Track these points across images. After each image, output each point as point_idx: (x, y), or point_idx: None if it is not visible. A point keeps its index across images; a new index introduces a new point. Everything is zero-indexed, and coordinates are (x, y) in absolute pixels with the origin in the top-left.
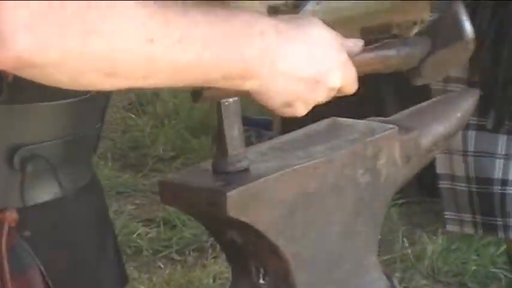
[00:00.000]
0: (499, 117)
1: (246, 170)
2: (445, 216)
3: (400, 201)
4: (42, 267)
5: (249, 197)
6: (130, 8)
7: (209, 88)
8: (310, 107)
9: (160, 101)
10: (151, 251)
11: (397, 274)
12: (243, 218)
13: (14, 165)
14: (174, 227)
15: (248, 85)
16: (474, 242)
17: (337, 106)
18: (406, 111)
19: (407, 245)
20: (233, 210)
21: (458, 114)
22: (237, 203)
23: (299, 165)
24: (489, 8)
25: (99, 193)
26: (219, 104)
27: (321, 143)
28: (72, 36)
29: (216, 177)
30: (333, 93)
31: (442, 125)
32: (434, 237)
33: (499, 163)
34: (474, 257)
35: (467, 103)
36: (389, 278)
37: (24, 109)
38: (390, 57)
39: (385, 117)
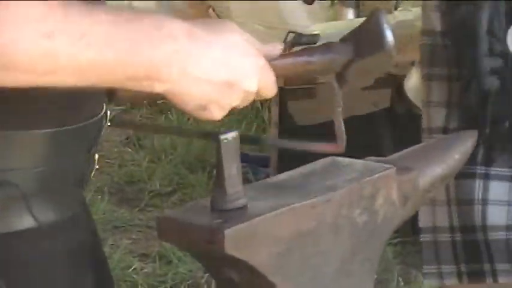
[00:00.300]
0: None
1: (243, 207)
2: (424, 271)
3: (396, 240)
4: None
5: (247, 235)
6: (27, 2)
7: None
8: (226, 111)
9: (158, 136)
10: (146, 286)
11: None
12: (240, 256)
13: None
14: (169, 262)
15: (158, 88)
16: None
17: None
18: (404, 152)
19: (402, 284)
20: (231, 248)
21: (456, 156)
22: (234, 240)
23: (297, 204)
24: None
25: (85, 228)
26: (218, 141)
27: (319, 182)
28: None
29: (214, 215)
30: (251, 97)
31: (440, 166)
32: None
33: (477, 208)
34: None
35: (465, 145)
36: None
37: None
38: (311, 62)
39: (383, 157)
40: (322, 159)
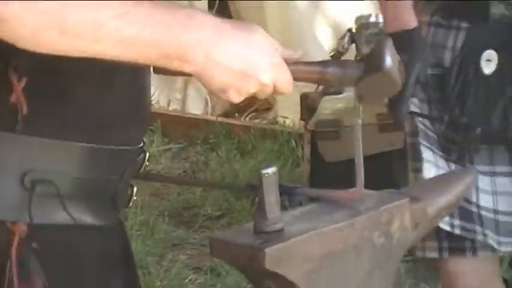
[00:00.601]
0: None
1: (281, 230)
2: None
3: (408, 258)
4: (45, 280)
5: (283, 253)
6: None
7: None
8: (243, 96)
9: (210, 170)
10: None
11: None
12: (277, 271)
13: (25, 185)
14: (219, 274)
15: (187, 68)
16: None
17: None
18: (415, 185)
19: None
20: (270, 264)
21: (459, 189)
22: (273, 258)
23: (325, 228)
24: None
25: (118, 240)
26: (260, 175)
27: (344, 209)
28: (47, 10)
29: (256, 236)
30: (267, 89)
31: (446, 197)
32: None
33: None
34: None
35: (466, 180)
36: None
37: (38, 141)
38: (325, 72)
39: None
40: (347, 190)
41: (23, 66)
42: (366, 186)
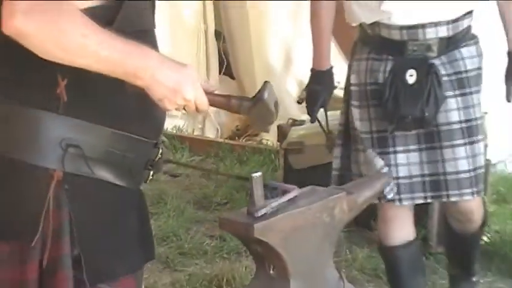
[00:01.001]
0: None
1: (264, 213)
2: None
3: (345, 229)
4: (71, 213)
5: (266, 227)
6: (79, 15)
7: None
8: (173, 106)
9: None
10: (213, 252)
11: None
12: (262, 238)
13: (62, 147)
14: (225, 240)
15: (139, 83)
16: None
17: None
18: (350, 184)
19: (348, 252)
20: (257, 234)
21: (378, 186)
22: (259, 230)
23: (292, 211)
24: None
25: (130, 195)
26: (251, 177)
27: (305, 199)
28: (44, 21)
29: (248, 217)
30: (190, 104)
31: (369, 192)
32: (362, 248)
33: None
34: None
35: (382, 181)
36: (338, 271)
37: (73, 121)
38: (229, 103)
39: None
40: (306, 187)
41: (65, 69)
42: (320, 183)
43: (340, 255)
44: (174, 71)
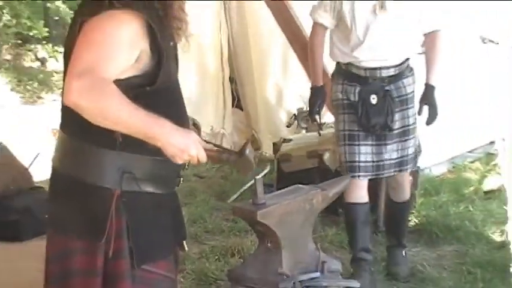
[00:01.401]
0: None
1: (264, 203)
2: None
3: (320, 215)
4: (128, 218)
5: (265, 213)
6: (116, 94)
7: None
8: (182, 160)
9: (232, 175)
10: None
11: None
12: (263, 221)
13: (120, 173)
14: (236, 222)
15: (158, 144)
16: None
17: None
18: (323, 183)
19: (322, 231)
20: (259, 218)
21: (342, 185)
22: (260, 215)
23: (283, 202)
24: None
25: (168, 199)
26: (255, 179)
27: (292, 194)
28: (91, 100)
29: (253, 206)
30: (193, 159)
31: (336, 189)
32: (331, 228)
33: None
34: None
35: (346, 182)
36: (315, 244)
37: (126, 154)
38: (220, 156)
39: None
40: (293, 186)
41: None
42: (302, 182)
43: (316, 232)
44: (182, 136)
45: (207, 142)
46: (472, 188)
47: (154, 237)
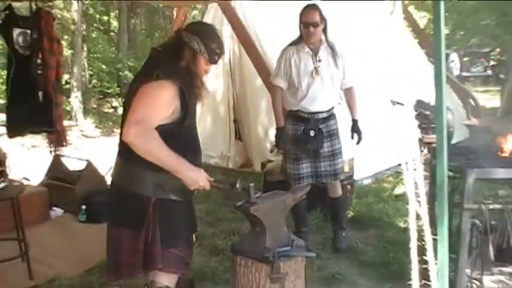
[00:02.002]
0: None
1: (255, 202)
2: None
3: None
4: (160, 217)
5: (255, 209)
6: (157, 139)
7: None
8: (195, 187)
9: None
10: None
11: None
12: (254, 213)
13: (154, 186)
14: (236, 213)
15: (179, 176)
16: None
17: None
18: (292, 189)
19: (292, 221)
20: (252, 212)
21: (304, 191)
22: (253, 210)
23: (268, 202)
24: None
25: (187, 204)
26: (249, 186)
27: (273, 196)
28: (140, 143)
29: (247, 204)
30: (201, 187)
31: (299, 194)
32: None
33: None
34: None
35: (305, 190)
36: (288, 229)
37: (158, 173)
38: (218, 187)
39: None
40: (274, 191)
41: None
42: (280, 189)
43: (287, 221)
44: (195, 173)
45: (210, 177)
46: (387, 193)
47: (176, 229)
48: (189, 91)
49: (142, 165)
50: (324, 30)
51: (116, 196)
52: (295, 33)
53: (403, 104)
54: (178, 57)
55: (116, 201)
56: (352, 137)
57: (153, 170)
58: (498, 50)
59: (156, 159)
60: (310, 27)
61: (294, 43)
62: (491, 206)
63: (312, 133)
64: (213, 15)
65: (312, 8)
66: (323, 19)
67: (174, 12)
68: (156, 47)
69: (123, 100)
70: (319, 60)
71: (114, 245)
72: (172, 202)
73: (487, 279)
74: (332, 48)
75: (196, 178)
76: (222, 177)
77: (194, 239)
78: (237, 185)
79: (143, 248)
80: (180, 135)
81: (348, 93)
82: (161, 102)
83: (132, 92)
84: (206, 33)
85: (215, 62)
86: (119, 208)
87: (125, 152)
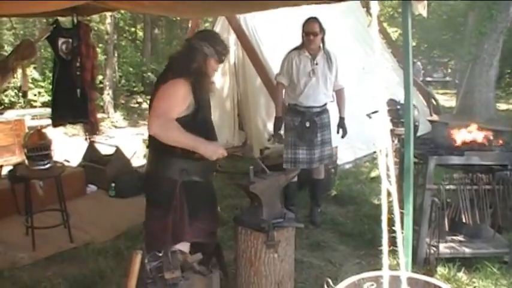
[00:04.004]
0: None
1: (254, 182)
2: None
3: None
4: (185, 197)
5: (254, 187)
6: (177, 128)
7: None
8: (216, 157)
9: (239, 164)
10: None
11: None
12: (253, 191)
13: (180, 170)
14: (239, 191)
15: (200, 152)
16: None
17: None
18: (285, 171)
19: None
20: (251, 190)
21: (296, 172)
22: (252, 188)
23: (265, 181)
24: None
25: (208, 184)
26: (250, 169)
27: (270, 178)
28: (164, 133)
29: (248, 183)
30: (221, 154)
31: (291, 174)
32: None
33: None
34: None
35: (295, 172)
36: (281, 204)
37: (185, 159)
38: (234, 150)
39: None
40: (270, 172)
41: None
42: (275, 171)
43: (280, 196)
44: (213, 145)
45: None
46: (364, 176)
47: (198, 206)
48: (201, 87)
49: (169, 154)
50: (322, 39)
51: (148, 181)
52: (289, 41)
53: (377, 111)
54: (191, 60)
55: (148, 186)
56: (338, 132)
57: (178, 157)
58: (454, 60)
59: (178, 143)
60: (311, 35)
61: (297, 48)
62: (447, 187)
63: (307, 124)
64: (221, 25)
65: (313, 20)
66: (322, 30)
67: (189, 24)
68: (173, 55)
69: (150, 98)
70: (316, 64)
71: (149, 221)
72: (195, 183)
73: (442, 246)
74: (328, 54)
75: (215, 149)
76: (234, 149)
77: (220, 212)
78: (247, 143)
79: (172, 222)
80: (196, 128)
81: (339, 93)
82: (177, 97)
83: (155, 90)
84: (212, 38)
85: (223, 61)
86: (151, 191)
87: (153, 144)
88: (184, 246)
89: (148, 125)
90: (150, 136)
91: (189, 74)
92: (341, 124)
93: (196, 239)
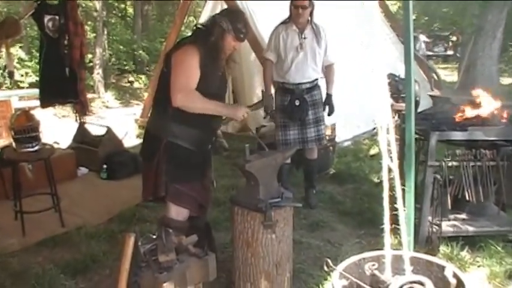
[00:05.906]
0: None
1: (250, 160)
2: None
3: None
4: (165, 158)
5: (250, 166)
6: (200, 97)
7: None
8: (240, 118)
9: (236, 143)
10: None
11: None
12: (249, 170)
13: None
14: (235, 170)
15: (226, 115)
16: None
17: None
18: (281, 150)
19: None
20: (247, 168)
21: (291, 151)
22: (248, 167)
23: (261, 159)
24: None
25: (204, 158)
26: (246, 147)
27: (265, 155)
28: (188, 101)
29: (244, 161)
30: (245, 115)
31: (287, 153)
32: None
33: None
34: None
35: (293, 151)
36: (278, 182)
37: (177, 126)
38: (252, 107)
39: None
40: (267, 150)
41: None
42: (270, 149)
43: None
44: (233, 108)
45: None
46: (363, 153)
47: (182, 170)
48: (211, 60)
49: (162, 116)
50: (311, 13)
51: (144, 137)
52: (284, 15)
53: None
54: (209, 33)
55: (143, 140)
56: (324, 109)
57: (171, 121)
58: (456, 33)
59: (203, 111)
60: (300, 9)
61: (284, 22)
62: (449, 164)
63: (297, 102)
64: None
65: None
66: (311, 3)
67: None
68: (196, 24)
69: (165, 61)
70: (304, 38)
71: (143, 173)
72: (180, 147)
73: (444, 224)
74: (316, 28)
75: (237, 111)
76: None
77: (214, 184)
78: (262, 98)
79: (153, 176)
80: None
81: (328, 69)
82: (193, 67)
83: (166, 59)
84: (234, 16)
85: (241, 40)
86: (143, 145)
87: (154, 104)
88: (179, 213)
89: (172, 98)
90: (156, 93)
91: (204, 44)
92: (328, 101)
93: (180, 204)
